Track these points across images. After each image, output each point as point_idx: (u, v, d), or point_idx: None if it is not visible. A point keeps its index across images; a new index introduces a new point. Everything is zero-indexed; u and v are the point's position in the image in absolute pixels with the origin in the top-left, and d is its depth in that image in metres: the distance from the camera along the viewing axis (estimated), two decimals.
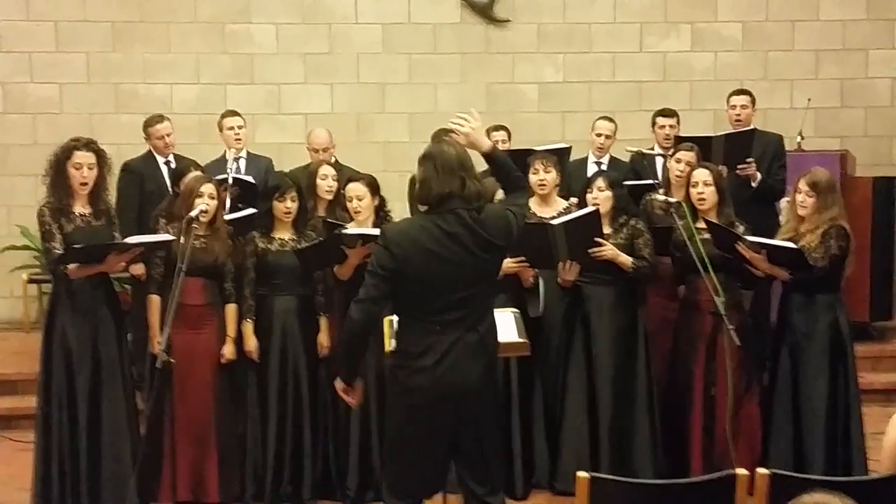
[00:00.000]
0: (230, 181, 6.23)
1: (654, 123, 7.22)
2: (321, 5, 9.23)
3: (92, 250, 5.01)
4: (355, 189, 5.53)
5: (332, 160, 6.80)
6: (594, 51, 9.42)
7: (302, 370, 5.47)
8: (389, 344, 4.13)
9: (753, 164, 6.65)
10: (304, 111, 9.15)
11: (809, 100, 8.55)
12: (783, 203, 6.18)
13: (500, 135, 7.33)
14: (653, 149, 7.05)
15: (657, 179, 6.51)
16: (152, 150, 7.04)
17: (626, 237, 5.50)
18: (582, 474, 3.38)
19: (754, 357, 5.48)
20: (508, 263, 5.31)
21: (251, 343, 5.42)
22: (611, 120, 7.36)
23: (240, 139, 7.01)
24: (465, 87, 9.31)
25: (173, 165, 6.84)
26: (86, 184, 5.10)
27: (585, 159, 7.28)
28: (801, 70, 9.48)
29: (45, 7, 8.96)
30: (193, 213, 5.14)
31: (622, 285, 5.51)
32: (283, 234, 5.52)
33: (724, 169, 6.05)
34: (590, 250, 5.31)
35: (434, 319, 3.87)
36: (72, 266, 4.99)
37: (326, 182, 5.93)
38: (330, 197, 5.93)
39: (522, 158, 6.08)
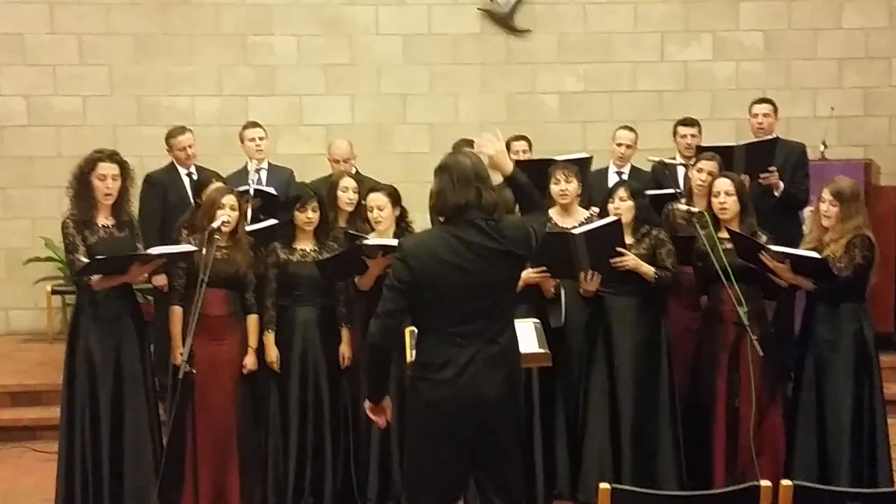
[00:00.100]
0: (252, 192, 6.26)
1: (675, 133, 7.20)
2: (342, 17, 9.27)
3: (115, 261, 5.04)
4: (376, 199, 5.54)
5: (353, 171, 6.82)
6: (615, 60, 9.41)
7: (322, 380, 5.48)
8: (411, 354, 4.13)
9: (776, 173, 6.63)
10: (325, 122, 9.18)
11: (832, 108, 8.51)
12: (806, 212, 6.14)
13: (521, 145, 7.33)
14: (674, 158, 7.04)
15: (679, 189, 6.50)
16: (174, 161, 7.08)
17: (647, 247, 5.48)
18: (604, 485, 3.38)
19: (778, 367, 5.45)
20: (530, 273, 5.32)
21: (272, 354, 5.43)
22: (632, 130, 7.33)
23: (261, 150, 7.05)
24: (486, 98, 9.32)
25: (195, 177, 6.88)
26: (110, 195, 5.13)
27: (606, 169, 7.26)
28: (824, 78, 9.44)
29: (69, 20, 9.03)
30: (215, 225, 5.17)
31: (644, 295, 5.49)
32: (305, 245, 5.53)
33: (746, 178, 6.03)
34: (611, 260, 5.30)
35: (453, 331, 3.85)
36: (95, 277, 5.02)
37: (347, 194, 5.94)
38: (350, 209, 5.94)
39: (543, 168, 6.09)
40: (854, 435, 5.20)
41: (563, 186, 5.78)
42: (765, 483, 3.38)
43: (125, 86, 9.10)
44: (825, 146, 7.90)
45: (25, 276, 8.89)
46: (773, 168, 6.60)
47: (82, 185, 5.13)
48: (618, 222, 5.33)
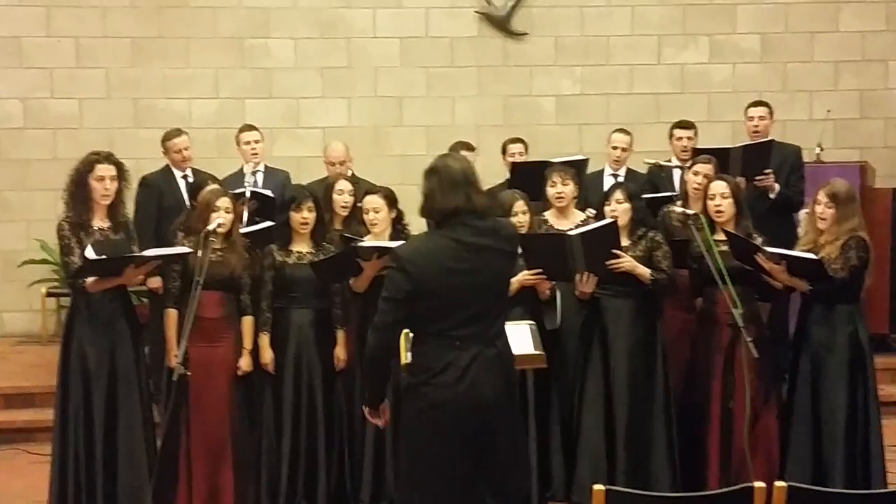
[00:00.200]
0: (248, 195, 6.25)
1: (671, 135, 7.21)
2: (339, 20, 9.28)
3: (110, 263, 5.04)
4: (372, 202, 5.54)
5: (349, 173, 6.82)
6: (612, 63, 9.42)
7: (317, 383, 5.47)
8: (406, 357, 4.12)
9: (771, 176, 6.63)
10: (321, 125, 9.19)
11: (829, 111, 8.52)
12: (802, 214, 6.15)
13: (518, 147, 7.35)
14: (670, 161, 7.05)
15: (675, 191, 6.50)
16: (170, 164, 7.07)
17: (644, 249, 5.48)
18: (598, 487, 3.37)
19: (772, 369, 5.46)
20: (526, 275, 5.32)
21: (267, 356, 5.43)
22: (627, 132, 7.35)
23: (256, 154, 7.03)
24: (483, 101, 9.34)
25: (191, 179, 6.87)
26: (107, 196, 5.13)
27: (602, 172, 7.27)
28: (820, 81, 9.45)
29: (66, 23, 9.03)
30: (211, 227, 5.16)
31: (640, 297, 5.50)
32: (301, 248, 5.53)
33: (742, 180, 6.04)
34: (607, 262, 5.30)
35: (452, 335, 3.83)
36: (90, 279, 5.02)
37: (343, 197, 5.94)
38: (346, 212, 5.94)
39: (540, 171, 6.11)
40: (848, 436, 5.20)
41: (560, 189, 5.79)
42: (759, 484, 3.38)
43: (122, 89, 9.10)
44: (821, 149, 7.90)
45: (20, 278, 8.88)
46: (769, 170, 6.61)
47: (79, 187, 5.12)
48: (614, 224, 5.34)
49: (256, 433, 5.44)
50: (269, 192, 6.57)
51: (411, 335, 4.01)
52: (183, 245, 5.31)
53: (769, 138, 6.86)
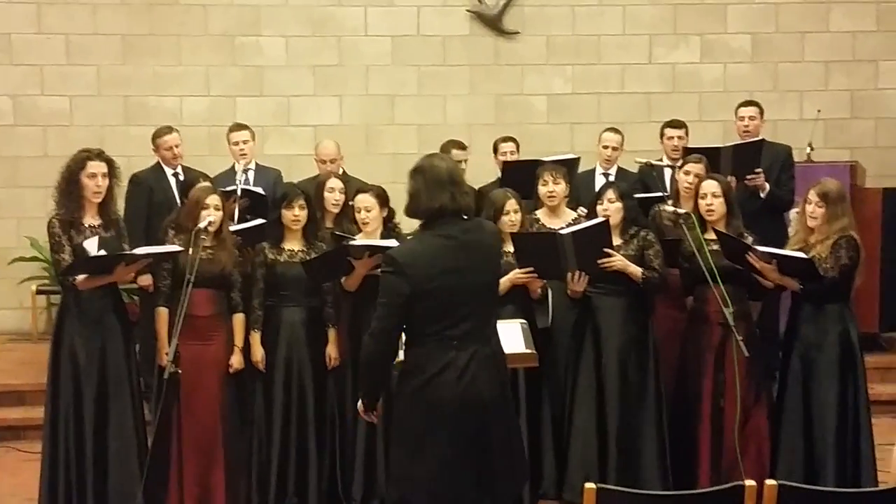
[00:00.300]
0: (239, 192, 6.24)
1: (662, 135, 7.22)
2: (331, 18, 9.26)
3: (100, 261, 5.03)
4: (364, 200, 5.53)
5: (340, 172, 6.81)
6: (603, 62, 9.42)
7: (307, 381, 5.47)
8: (398, 355, 4.11)
9: (762, 175, 6.65)
10: (313, 123, 9.17)
11: (819, 111, 8.53)
12: (792, 214, 6.17)
13: (509, 146, 7.35)
14: (661, 160, 7.06)
15: (666, 190, 6.52)
16: (161, 161, 7.06)
17: (636, 248, 5.49)
18: (589, 485, 3.37)
19: (763, 368, 5.47)
20: (517, 274, 5.33)
21: (258, 353, 5.42)
22: (617, 131, 7.35)
23: (245, 154, 6.98)
24: (474, 99, 9.33)
25: (181, 177, 6.86)
26: (99, 193, 5.12)
27: (593, 171, 7.27)
28: (811, 81, 9.46)
29: (56, 20, 9.00)
30: (202, 225, 5.16)
31: (632, 296, 5.51)
32: (293, 246, 5.52)
33: (732, 180, 6.05)
34: (599, 261, 5.30)
35: (449, 334, 3.83)
36: (80, 277, 5.01)
37: (333, 195, 5.93)
38: (337, 210, 5.93)
39: (531, 169, 6.11)
40: (839, 435, 5.21)
41: (551, 188, 5.79)
42: (749, 483, 3.38)
43: (112, 86, 9.07)
44: (811, 148, 7.92)
45: (10, 275, 8.85)
46: (759, 170, 6.62)
47: (71, 184, 5.11)
48: (605, 223, 5.34)
49: (247, 431, 5.43)
50: (260, 190, 6.56)
51: (404, 335, 4.01)
52: (173, 243, 5.30)
53: (760, 138, 6.88)
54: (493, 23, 9.33)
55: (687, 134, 7.19)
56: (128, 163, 6.48)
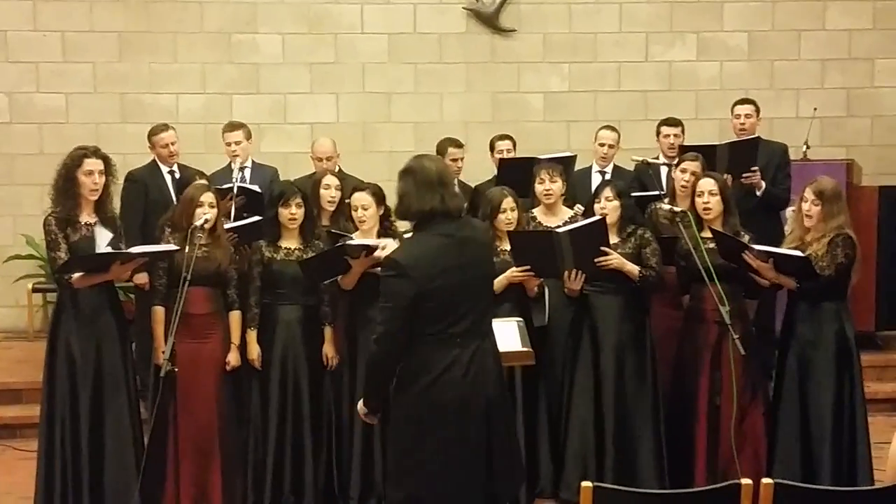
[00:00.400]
0: (235, 190, 6.24)
1: (658, 133, 7.22)
2: (327, 15, 9.24)
3: (96, 259, 5.02)
4: (361, 199, 5.51)
5: (336, 169, 6.81)
6: (599, 60, 9.41)
7: (303, 380, 5.46)
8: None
9: (758, 173, 6.65)
10: (309, 121, 9.16)
11: (815, 109, 8.53)
12: (788, 212, 6.17)
13: (506, 144, 7.34)
14: (658, 158, 7.06)
15: (662, 188, 6.52)
16: (156, 159, 7.05)
17: (633, 247, 5.49)
18: (586, 484, 3.37)
19: (759, 366, 5.47)
20: (514, 272, 5.33)
21: (254, 351, 5.42)
22: (613, 129, 7.35)
23: (237, 154, 6.94)
24: (471, 97, 9.32)
25: (177, 175, 6.86)
26: (96, 190, 5.11)
27: (589, 168, 7.27)
28: (807, 79, 9.46)
29: (52, 17, 8.98)
30: (198, 223, 5.16)
31: (629, 295, 5.50)
32: (290, 244, 5.52)
33: (728, 178, 6.05)
34: (596, 259, 5.30)
35: (452, 332, 3.83)
36: (76, 275, 5.00)
37: (329, 192, 5.92)
38: (333, 207, 5.92)
39: (528, 167, 6.12)
40: (835, 433, 5.21)
41: (548, 186, 5.79)
42: (745, 481, 3.39)
43: (108, 83, 9.05)
44: (808, 146, 7.92)
45: (6, 273, 8.84)
46: (755, 168, 6.63)
47: (67, 181, 5.10)
48: (602, 221, 5.34)
49: (244, 429, 5.43)
50: (256, 188, 6.55)
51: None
52: (169, 241, 5.30)
53: (756, 136, 6.88)
54: (489, 20, 9.32)
55: (683, 132, 7.18)
56: (124, 160, 6.47)
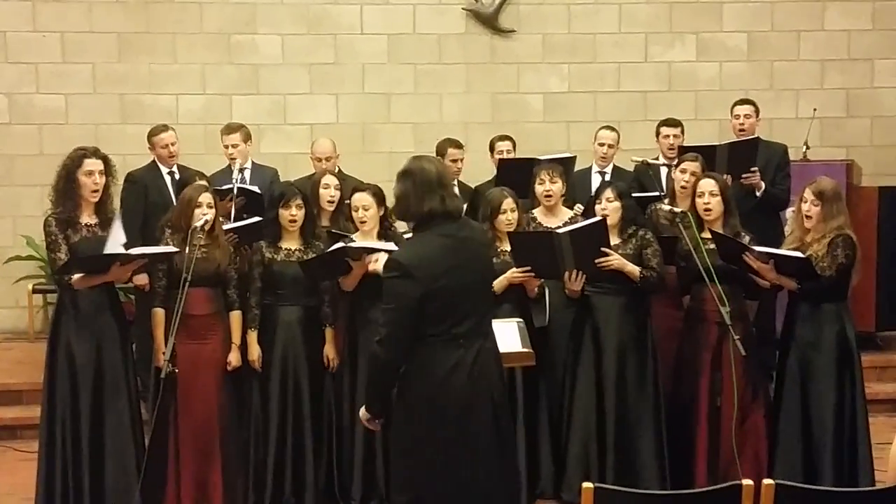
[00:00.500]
0: (235, 191, 6.23)
1: (658, 133, 7.22)
2: (327, 16, 9.25)
3: (95, 260, 5.02)
4: (362, 199, 5.51)
5: (336, 170, 6.80)
6: (599, 61, 9.42)
7: (303, 380, 5.46)
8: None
9: (757, 174, 6.65)
10: (309, 121, 9.16)
11: (815, 110, 8.53)
12: (788, 213, 6.18)
13: (506, 144, 7.34)
14: (657, 158, 7.06)
15: (662, 189, 6.52)
16: (156, 159, 7.04)
17: (634, 248, 5.48)
18: (587, 485, 3.37)
19: (759, 367, 5.47)
20: (514, 273, 5.33)
21: (255, 352, 5.42)
22: (613, 129, 7.34)
23: (234, 157, 6.91)
24: (471, 97, 9.32)
25: (177, 176, 6.85)
26: (97, 191, 5.11)
27: (589, 169, 7.27)
28: (807, 80, 9.47)
29: (52, 18, 8.97)
30: (198, 224, 5.16)
31: (630, 295, 5.49)
32: (291, 245, 5.52)
33: (728, 178, 6.05)
34: (596, 260, 5.30)
35: (454, 332, 3.83)
36: (76, 276, 4.99)
37: (328, 192, 5.92)
38: (332, 207, 5.92)
39: (527, 168, 6.11)
40: (837, 434, 5.21)
41: (548, 187, 5.80)
42: (747, 482, 3.38)
43: (108, 84, 9.04)
44: (807, 147, 7.93)
45: (7, 274, 8.83)
46: (754, 168, 6.63)
47: (68, 182, 5.10)
48: (602, 222, 5.34)
49: (245, 430, 5.43)
50: (255, 189, 6.55)
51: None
52: (168, 242, 5.29)
53: (755, 136, 6.88)
54: (489, 21, 9.32)
55: (683, 132, 7.18)
56: (123, 161, 6.47)
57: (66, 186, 5.09)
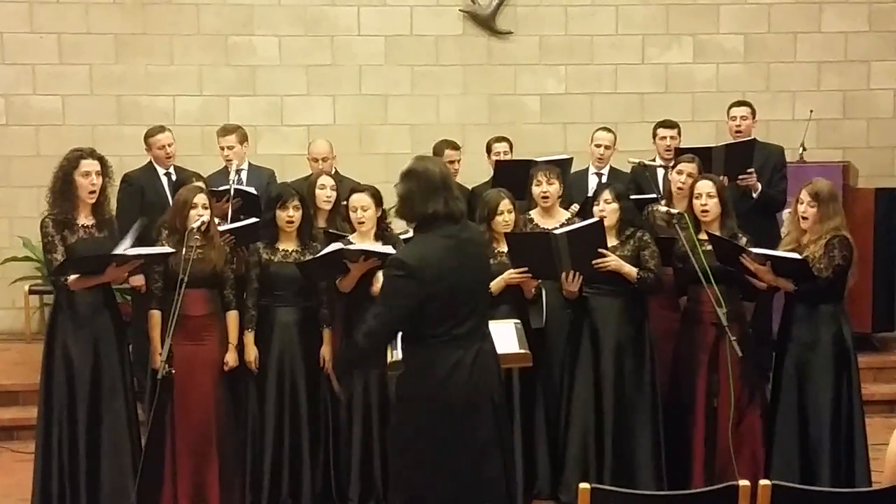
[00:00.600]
0: (231, 192, 6.23)
1: (655, 135, 7.23)
2: (324, 17, 9.25)
3: (91, 261, 5.02)
4: (360, 200, 5.51)
5: (333, 171, 6.80)
6: (596, 62, 9.42)
7: (300, 382, 5.46)
8: (392, 355, 4.11)
9: (754, 175, 6.66)
10: (306, 123, 9.16)
11: (812, 111, 8.54)
12: (785, 214, 6.18)
13: (503, 146, 7.34)
14: (654, 160, 7.06)
15: (658, 191, 6.52)
16: (153, 161, 7.04)
17: (632, 249, 5.48)
18: (584, 485, 3.38)
19: (756, 368, 5.47)
20: (511, 274, 5.33)
21: (251, 353, 5.42)
22: (610, 130, 7.36)
23: (230, 159, 6.90)
24: (468, 99, 9.33)
25: (174, 177, 6.84)
26: (94, 192, 5.11)
27: (586, 171, 7.28)
28: (803, 82, 9.48)
29: (49, 19, 8.97)
30: (195, 225, 5.16)
31: (628, 297, 5.50)
32: (288, 246, 5.52)
33: (724, 180, 6.06)
34: (593, 261, 5.30)
35: (455, 333, 3.84)
36: (72, 277, 4.99)
37: (325, 192, 5.93)
38: (328, 207, 5.93)
39: (524, 169, 6.12)
40: (833, 435, 5.22)
41: (545, 188, 5.80)
42: (743, 483, 3.39)
43: (105, 85, 9.04)
44: (804, 148, 7.94)
45: (3, 275, 8.82)
46: (751, 170, 6.63)
47: (65, 183, 5.10)
48: (600, 223, 5.34)
49: (241, 431, 5.43)
50: (252, 190, 6.55)
51: (405, 337, 3.98)
52: (164, 244, 5.29)
53: (752, 138, 6.89)
54: (486, 23, 9.32)
55: (679, 134, 7.19)
56: (120, 162, 6.47)
57: (63, 187, 5.10)
